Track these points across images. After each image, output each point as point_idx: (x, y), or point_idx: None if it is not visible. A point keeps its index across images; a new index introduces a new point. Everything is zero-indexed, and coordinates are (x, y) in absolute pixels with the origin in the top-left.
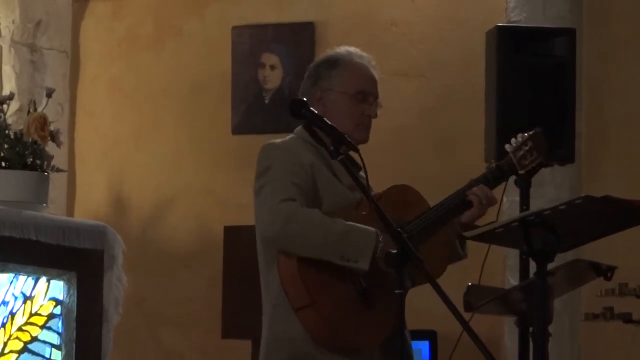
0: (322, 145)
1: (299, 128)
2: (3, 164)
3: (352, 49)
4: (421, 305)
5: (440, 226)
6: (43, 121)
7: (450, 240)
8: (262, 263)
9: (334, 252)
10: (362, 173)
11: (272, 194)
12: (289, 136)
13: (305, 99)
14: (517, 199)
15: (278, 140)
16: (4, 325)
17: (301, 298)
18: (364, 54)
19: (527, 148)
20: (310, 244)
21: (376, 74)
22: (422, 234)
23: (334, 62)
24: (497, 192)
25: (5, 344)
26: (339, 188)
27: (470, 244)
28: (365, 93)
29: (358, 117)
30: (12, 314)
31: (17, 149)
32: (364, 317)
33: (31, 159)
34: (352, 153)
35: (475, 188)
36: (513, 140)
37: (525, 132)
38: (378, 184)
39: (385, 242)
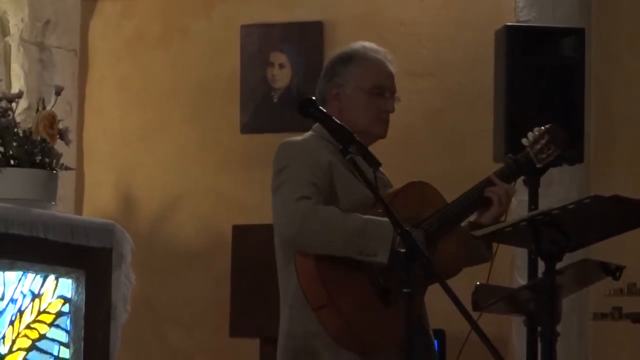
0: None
1: (317, 125)
2: (12, 162)
3: (367, 44)
4: (430, 304)
5: (457, 223)
6: (52, 119)
7: (472, 240)
8: (279, 262)
9: (352, 248)
10: (381, 169)
11: (289, 193)
12: (308, 133)
13: (314, 97)
14: (526, 198)
15: (296, 138)
16: (12, 323)
17: (319, 297)
18: (380, 48)
19: (544, 142)
20: (328, 241)
21: (393, 68)
22: (438, 231)
23: (348, 58)
24: None
25: (13, 342)
26: (357, 186)
27: None
28: (381, 88)
29: (374, 112)
30: (21, 312)
31: (26, 147)
32: (383, 316)
33: (40, 157)
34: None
35: (492, 186)
36: (530, 134)
37: (542, 126)
38: None
39: None
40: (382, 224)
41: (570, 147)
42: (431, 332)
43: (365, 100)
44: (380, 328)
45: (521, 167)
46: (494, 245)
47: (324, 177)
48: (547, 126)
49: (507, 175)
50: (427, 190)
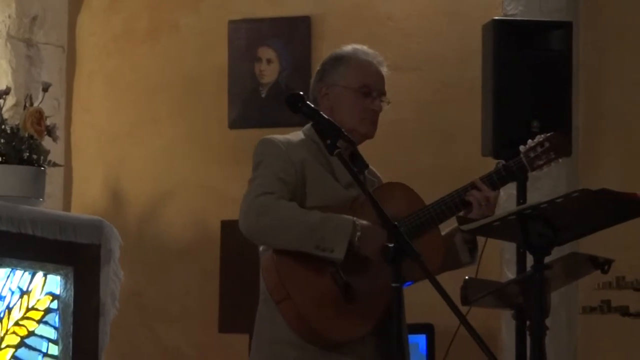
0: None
1: (307, 126)
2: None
3: (359, 46)
4: (418, 298)
5: (436, 224)
6: (39, 116)
7: (452, 245)
8: None
9: (308, 242)
10: (373, 169)
11: (254, 188)
12: (295, 132)
13: (301, 92)
14: (514, 192)
15: (275, 135)
16: (0, 320)
17: (279, 291)
18: (371, 51)
19: (542, 149)
20: (284, 235)
21: (383, 70)
22: (415, 231)
23: (339, 59)
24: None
25: (2, 339)
26: (330, 185)
27: None
28: (368, 87)
29: (361, 111)
30: (9, 309)
31: (14, 143)
32: (344, 312)
33: (28, 154)
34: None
35: (474, 189)
36: (529, 141)
37: (544, 134)
38: None
39: (365, 232)
40: (341, 220)
41: None
42: (403, 333)
43: (352, 100)
44: (339, 323)
45: (511, 173)
46: (483, 239)
47: (294, 173)
48: (548, 134)
49: (494, 181)
50: (403, 191)
